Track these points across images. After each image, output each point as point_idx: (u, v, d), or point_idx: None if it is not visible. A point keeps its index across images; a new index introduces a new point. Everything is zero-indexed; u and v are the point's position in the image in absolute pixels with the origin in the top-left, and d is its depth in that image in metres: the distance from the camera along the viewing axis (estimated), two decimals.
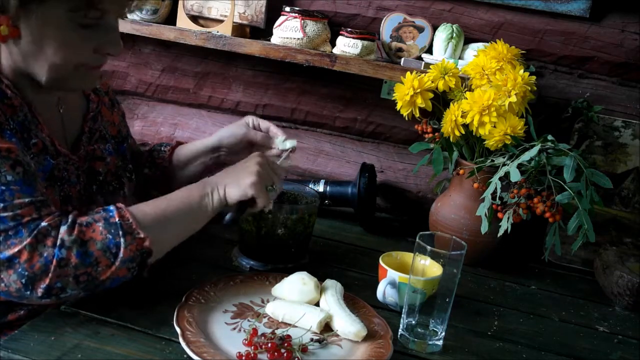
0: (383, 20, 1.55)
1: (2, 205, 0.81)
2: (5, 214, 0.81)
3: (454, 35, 1.47)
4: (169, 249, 0.95)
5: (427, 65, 1.42)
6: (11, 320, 0.94)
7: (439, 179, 1.46)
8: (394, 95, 1.33)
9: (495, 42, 1.31)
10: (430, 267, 0.94)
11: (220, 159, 1.20)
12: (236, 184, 0.98)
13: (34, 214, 0.83)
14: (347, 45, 1.46)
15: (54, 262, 0.81)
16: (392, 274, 1.04)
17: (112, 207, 0.89)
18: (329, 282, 1.02)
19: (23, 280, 0.80)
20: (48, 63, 0.88)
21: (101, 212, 0.88)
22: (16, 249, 0.80)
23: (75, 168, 0.99)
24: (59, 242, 0.81)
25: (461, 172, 1.32)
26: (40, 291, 0.81)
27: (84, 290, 0.85)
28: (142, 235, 0.87)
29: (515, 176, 1.16)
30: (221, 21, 1.56)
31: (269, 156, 1.08)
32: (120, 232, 0.86)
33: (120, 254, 0.85)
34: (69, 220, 0.84)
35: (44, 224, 0.82)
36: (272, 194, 1.03)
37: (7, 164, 0.83)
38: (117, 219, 0.87)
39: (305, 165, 1.74)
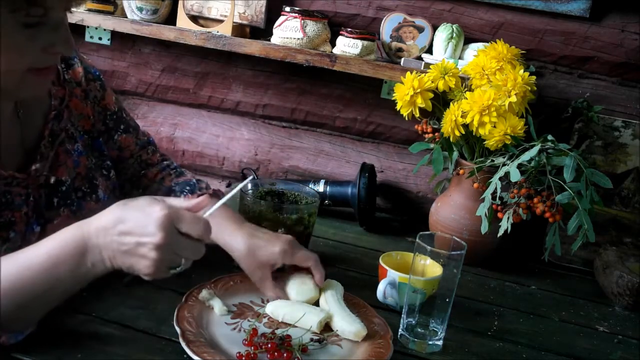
0: (383, 20, 1.55)
1: None
2: None
3: (454, 35, 1.47)
4: (33, 321, 0.80)
5: (427, 65, 1.42)
6: None
7: (439, 179, 1.46)
8: (394, 95, 1.33)
9: (495, 42, 1.31)
10: (430, 267, 0.94)
11: None
12: (128, 267, 0.78)
13: None
14: (347, 45, 1.46)
15: None
16: (392, 274, 1.04)
17: None
18: (329, 282, 1.02)
19: None
20: None
21: None
22: None
23: (24, 187, 0.90)
24: None
25: (461, 172, 1.32)
26: None
27: None
28: None
29: (515, 176, 1.16)
30: (221, 21, 1.56)
31: (175, 214, 0.78)
32: None
33: None
34: None
35: None
36: (179, 269, 0.82)
37: None
38: None
39: (305, 165, 1.74)
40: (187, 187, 1.13)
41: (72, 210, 0.96)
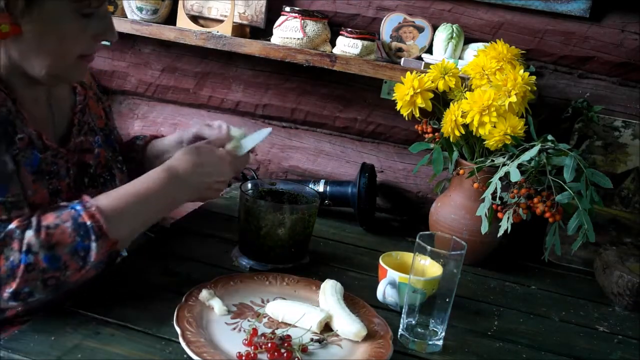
0: (383, 20, 1.55)
1: None
2: None
3: (454, 35, 1.47)
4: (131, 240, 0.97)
5: (427, 65, 1.42)
6: (9, 317, 0.92)
7: (439, 179, 1.46)
8: (394, 95, 1.33)
9: (495, 42, 1.31)
10: (430, 267, 0.94)
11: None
12: (201, 198, 1.07)
13: (2, 215, 0.82)
14: (347, 45, 1.46)
15: (21, 267, 0.80)
16: (392, 274, 1.04)
17: (79, 205, 0.86)
18: (329, 282, 1.02)
19: None
20: (51, 57, 0.88)
21: (68, 209, 0.86)
22: None
23: (65, 161, 0.98)
24: (24, 247, 0.80)
25: (461, 172, 1.32)
26: (6, 295, 0.81)
27: (52, 293, 0.85)
28: (112, 238, 0.87)
29: (515, 176, 1.16)
30: (221, 21, 1.56)
31: (233, 155, 1.07)
32: (91, 236, 0.85)
33: (90, 258, 0.85)
34: (34, 223, 0.82)
35: (12, 226, 0.81)
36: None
37: None
38: (86, 220, 0.85)
39: (305, 165, 1.74)
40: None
41: (98, 193, 1.02)
